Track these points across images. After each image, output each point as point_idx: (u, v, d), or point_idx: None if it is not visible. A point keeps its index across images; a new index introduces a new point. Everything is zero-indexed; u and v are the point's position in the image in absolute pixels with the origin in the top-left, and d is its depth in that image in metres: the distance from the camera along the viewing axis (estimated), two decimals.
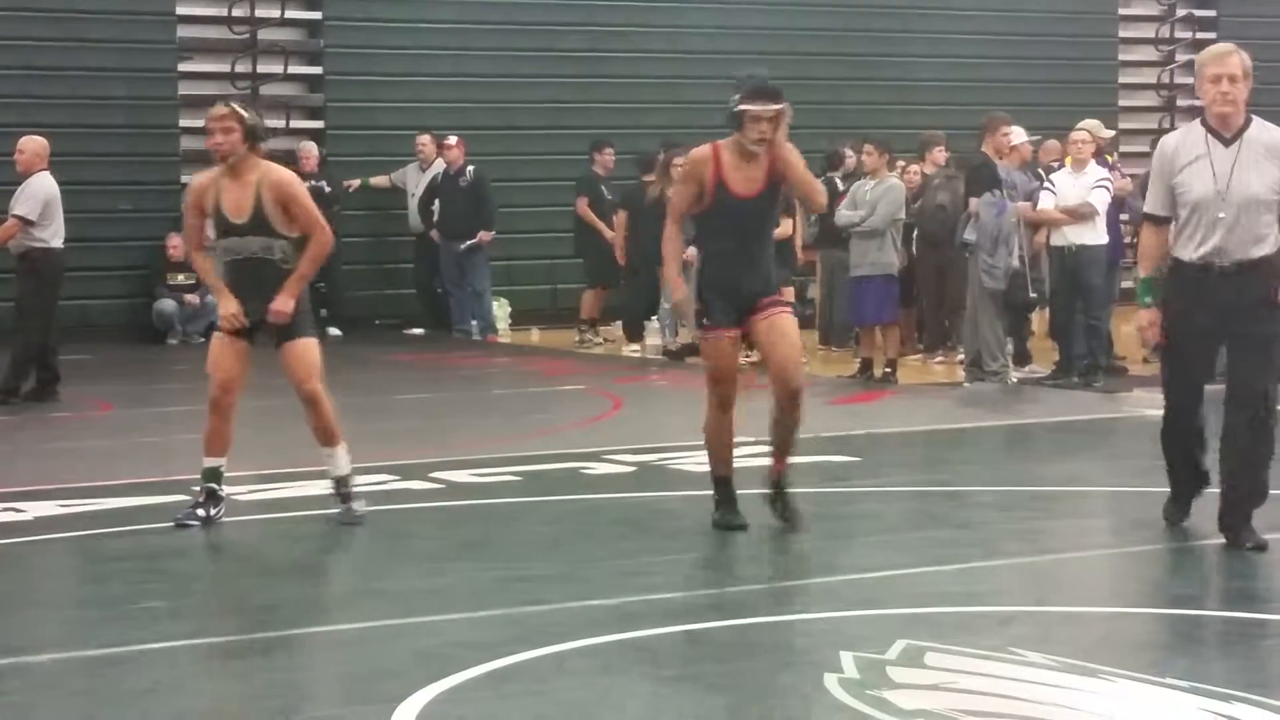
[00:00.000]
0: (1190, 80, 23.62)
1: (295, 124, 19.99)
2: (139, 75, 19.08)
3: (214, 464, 8.87)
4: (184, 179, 19.24)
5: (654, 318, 17.27)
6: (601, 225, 18.38)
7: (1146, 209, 8.17)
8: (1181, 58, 23.98)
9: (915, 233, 15.76)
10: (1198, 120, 8.03)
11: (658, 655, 6.41)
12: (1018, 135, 14.83)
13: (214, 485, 8.87)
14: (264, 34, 20.00)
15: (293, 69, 20.19)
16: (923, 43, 22.16)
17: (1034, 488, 9.99)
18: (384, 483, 9.99)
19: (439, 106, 20.02)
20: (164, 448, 11.24)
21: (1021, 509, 9.38)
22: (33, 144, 13.90)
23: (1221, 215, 7.78)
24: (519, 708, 5.78)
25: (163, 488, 9.70)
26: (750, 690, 5.96)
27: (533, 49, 20.53)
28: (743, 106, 8.37)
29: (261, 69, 19.99)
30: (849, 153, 17.01)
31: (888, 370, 14.75)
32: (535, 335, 19.27)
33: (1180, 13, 24.21)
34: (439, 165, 19.07)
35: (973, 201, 14.25)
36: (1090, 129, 14.60)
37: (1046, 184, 14.47)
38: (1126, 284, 16.36)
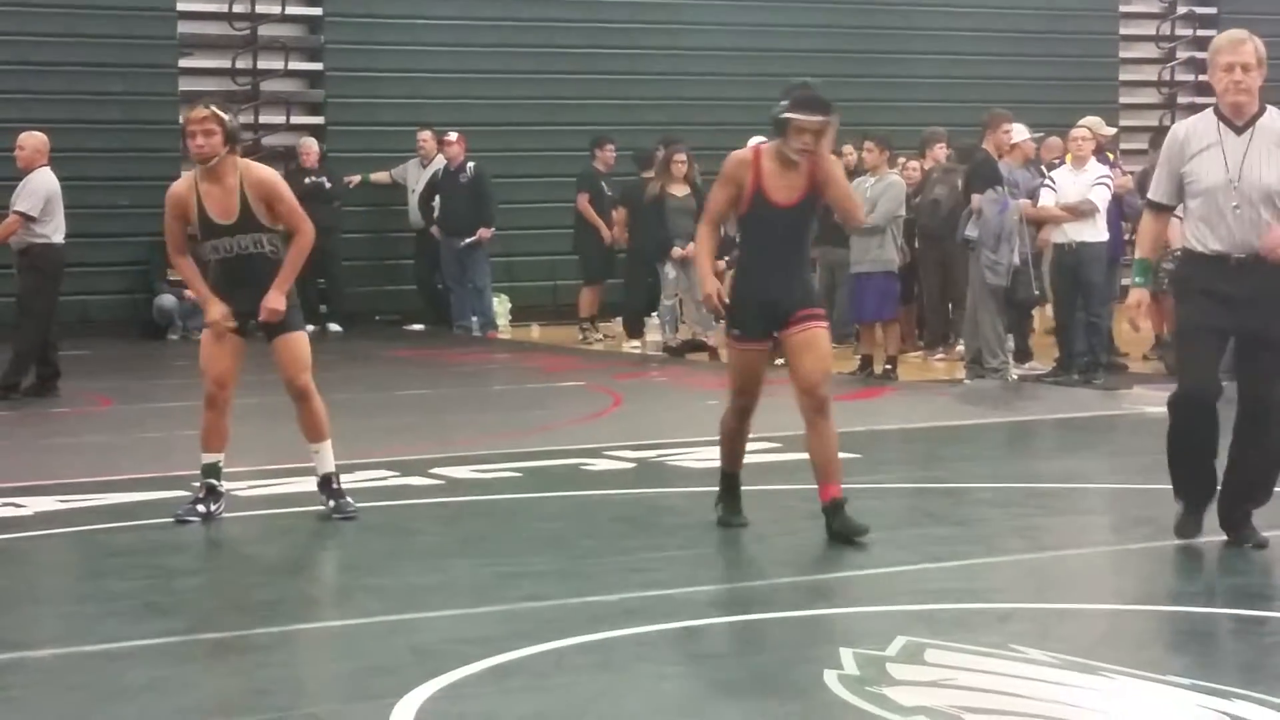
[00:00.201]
0: (1190, 77, 23.80)
1: (296, 120, 20.00)
2: (139, 71, 19.08)
3: (212, 459, 8.87)
4: (184, 175, 19.28)
5: (654, 314, 17.27)
6: (600, 223, 18.39)
7: (1150, 195, 7.96)
8: (1182, 55, 23.99)
9: (916, 229, 15.76)
10: (1210, 108, 7.83)
11: (658, 651, 6.41)
12: (1019, 132, 14.82)
13: (213, 481, 8.88)
14: (264, 30, 20.00)
15: (293, 65, 20.19)
16: (924, 39, 22.17)
17: (1034, 485, 9.99)
18: (384, 478, 10.00)
19: (439, 102, 20.03)
20: (164, 443, 11.24)
21: (1021, 506, 9.38)
22: (33, 140, 13.90)
23: (1235, 205, 7.58)
24: (519, 703, 5.78)
25: (163, 483, 9.70)
26: (751, 686, 5.96)
27: (532, 45, 20.54)
28: (788, 115, 8.13)
29: (262, 65, 19.99)
30: (849, 149, 17.01)
31: (888, 367, 14.75)
32: (535, 331, 19.27)
33: (1181, 10, 24.22)
34: (439, 161, 19.08)
35: (975, 198, 14.24)
36: (1091, 126, 14.60)
37: (1047, 181, 14.47)
38: (1126, 281, 16.33)
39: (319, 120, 20.11)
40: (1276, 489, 8.10)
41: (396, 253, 19.93)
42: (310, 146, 19.34)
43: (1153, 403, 12.91)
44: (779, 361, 8.84)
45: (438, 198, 18.94)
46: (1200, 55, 23.61)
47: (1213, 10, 23.99)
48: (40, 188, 13.70)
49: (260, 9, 19.97)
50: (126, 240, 18.82)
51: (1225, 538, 8.00)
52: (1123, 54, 23.89)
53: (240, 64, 19.85)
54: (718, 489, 8.69)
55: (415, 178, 19.44)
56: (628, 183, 18.06)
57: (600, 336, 18.36)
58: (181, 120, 8.84)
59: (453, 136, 18.80)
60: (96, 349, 16.94)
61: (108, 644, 6.56)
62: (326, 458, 8.95)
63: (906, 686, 5.84)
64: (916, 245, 15.77)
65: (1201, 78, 23.82)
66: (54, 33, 18.84)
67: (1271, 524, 8.06)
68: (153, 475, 10.04)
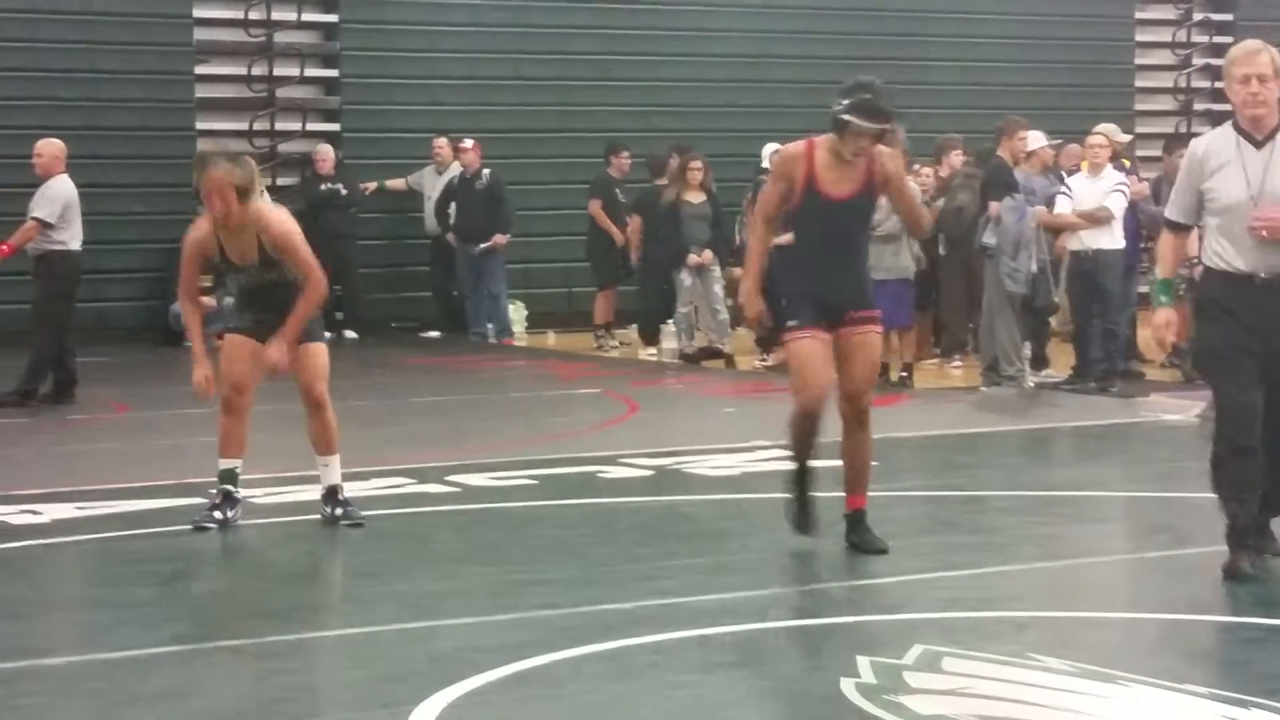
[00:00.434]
0: (1207, 84, 23.76)
1: (311, 127, 20.02)
2: (155, 78, 19.11)
3: (230, 465, 8.88)
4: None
5: (670, 321, 17.27)
6: (613, 228, 18.39)
7: (1168, 214, 7.74)
8: (1198, 62, 23.96)
9: (939, 234, 15.71)
10: (1229, 123, 7.61)
11: (673, 659, 6.40)
12: (1035, 139, 14.80)
13: (230, 487, 8.88)
14: (280, 37, 20.03)
15: (309, 72, 20.22)
16: (939, 46, 22.14)
17: (1051, 493, 9.97)
18: (400, 485, 10.00)
19: (455, 109, 20.05)
20: (180, 450, 11.26)
21: (1038, 514, 9.36)
22: (51, 147, 13.94)
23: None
24: (534, 711, 5.78)
25: (179, 490, 9.72)
26: (767, 695, 5.95)
27: (548, 52, 20.55)
28: (847, 117, 7.87)
29: (278, 72, 20.01)
30: None
31: (903, 374, 14.73)
32: (551, 338, 19.27)
33: (1197, 17, 24.18)
34: (455, 168, 19.08)
35: (993, 205, 14.23)
36: (1106, 133, 14.58)
37: (1062, 188, 14.45)
38: (1144, 288, 16.30)
39: (335, 127, 20.13)
40: None
41: (412, 260, 19.93)
42: (326, 153, 19.36)
43: (1170, 410, 12.91)
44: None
45: (454, 204, 18.95)
46: (1216, 62, 23.59)
47: (1229, 17, 23.95)
48: (58, 195, 13.73)
49: (276, 16, 20.00)
50: (143, 247, 18.84)
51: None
52: (1138, 61, 23.85)
53: (256, 71, 19.87)
54: (788, 495, 8.25)
55: (431, 184, 19.46)
56: (642, 189, 18.07)
57: (616, 343, 18.36)
58: (195, 179, 8.80)
59: (468, 143, 18.80)
60: (113, 355, 16.97)
61: (124, 651, 6.56)
62: (334, 471, 8.98)
63: (924, 695, 5.83)
64: (940, 251, 15.70)
65: (1218, 84, 23.79)
66: (71, 40, 18.87)
67: None
68: (169, 482, 10.05)
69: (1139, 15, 23.97)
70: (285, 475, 9.96)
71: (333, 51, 20.31)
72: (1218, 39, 23.66)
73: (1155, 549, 8.44)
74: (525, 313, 19.59)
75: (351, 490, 9.13)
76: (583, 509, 9.51)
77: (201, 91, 19.55)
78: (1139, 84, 23.76)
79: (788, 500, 8.23)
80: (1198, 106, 23.76)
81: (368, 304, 19.48)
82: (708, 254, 16.77)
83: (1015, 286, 14.08)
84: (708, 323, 17.03)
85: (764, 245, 8.32)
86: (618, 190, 18.68)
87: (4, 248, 13.92)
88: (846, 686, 5.88)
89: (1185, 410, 12.53)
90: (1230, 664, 6.48)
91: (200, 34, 19.64)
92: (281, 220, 8.78)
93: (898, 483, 10.11)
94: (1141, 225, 15.15)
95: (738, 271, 17.36)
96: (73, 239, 13.82)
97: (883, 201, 15.03)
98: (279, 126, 19.98)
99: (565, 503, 9.64)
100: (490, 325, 18.85)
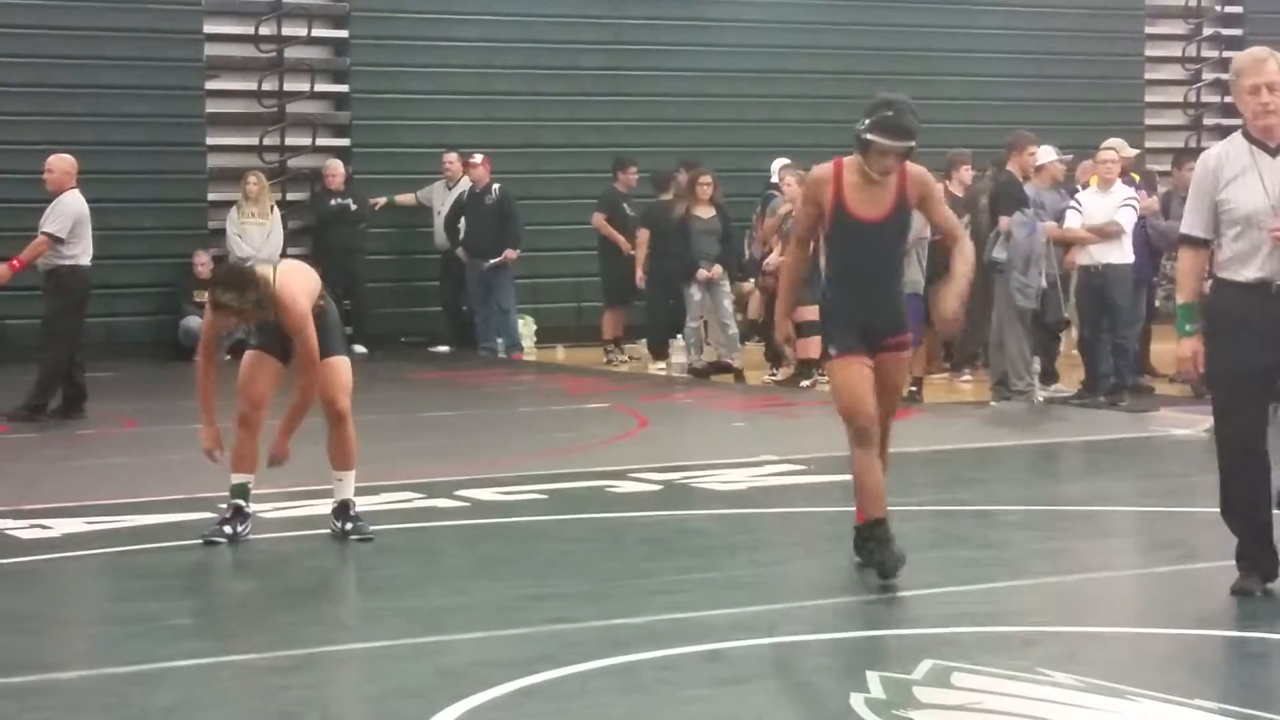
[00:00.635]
0: (1217, 99, 23.76)
1: (321, 142, 20.04)
2: (166, 93, 19.14)
3: (242, 480, 8.90)
4: (210, 197, 19.36)
5: (679, 336, 17.28)
6: (620, 239, 18.39)
7: (1185, 230, 7.53)
8: (1208, 76, 23.95)
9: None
10: (1238, 132, 7.47)
11: (682, 674, 6.40)
12: (1045, 154, 14.80)
13: (241, 501, 8.90)
14: (291, 52, 20.06)
15: (319, 87, 20.24)
16: (947, 61, 22.15)
17: (1060, 507, 9.97)
18: (409, 500, 10.01)
19: (464, 124, 20.07)
20: (190, 465, 11.21)
21: (1048, 529, 9.36)
22: (62, 163, 13.98)
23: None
24: None
25: (189, 505, 9.73)
26: (776, 710, 5.95)
27: (557, 67, 20.57)
28: (869, 136, 7.68)
29: (288, 87, 20.04)
30: None
31: (912, 389, 14.72)
32: (560, 353, 19.28)
33: (1207, 31, 24.18)
34: (465, 183, 19.11)
35: (1003, 220, 14.24)
36: (1115, 148, 14.58)
37: (1072, 203, 14.44)
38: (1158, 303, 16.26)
39: (345, 142, 20.15)
40: None
41: (422, 275, 19.95)
42: (336, 169, 19.39)
43: (1180, 425, 12.90)
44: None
45: (463, 220, 18.97)
46: (1226, 77, 23.58)
47: (1239, 32, 23.94)
48: (69, 210, 13.76)
49: (287, 31, 20.03)
50: (153, 262, 18.86)
51: None
52: (1148, 75, 23.85)
53: (266, 86, 19.89)
54: (856, 538, 8.03)
55: (440, 200, 19.48)
56: (649, 204, 18.08)
57: (625, 358, 18.37)
58: (209, 296, 8.79)
59: (478, 158, 18.83)
60: (123, 371, 16.99)
61: (135, 666, 6.58)
62: (348, 486, 9.00)
63: (933, 710, 5.83)
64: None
65: (1228, 99, 23.78)
66: (81, 55, 18.90)
67: None
68: (179, 497, 10.07)
69: (1149, 30, 23.97)
70: (295, 490, 9.97)
71: (343, 67, 20.34)
72: (1227, 53, 23.64)
73: (1164, 564, 8.43)
74: (534, 327, 19.59)
75: (361, 505, 9.14)
76: (592, 524, 9.52)
77: (212, 107, 19.57)
78: (1149, 99, 23.75)
79: (869, 548, 7.84)
80: (1208, 121, 23.74)
81: (377, 319, 19.50)
82: (717, 268, 16.78)
83: (1025, 301, 14.09)
84: (717, 337, 17.04)
85: (796, 270, 8.21)
86: (625, 205, 18.70)
87: (15, 263, 13.96)
88: (856, 701, 5.89)
89: (1195, 425, 12.52)
90: (1238, 679, 6.47)
91: (211, 49, 19.68)
92: (295, 299, 8.65)
93: (907, 497, 10.08)
94: (1149, 240, 15.13)
95: (747, 286, 17.45)
96: (83, 254, 13.86)
97: None
98: (289, 141, 20.01)
99: (574, 517, 9.65)
100: (500, 340, 18.86)
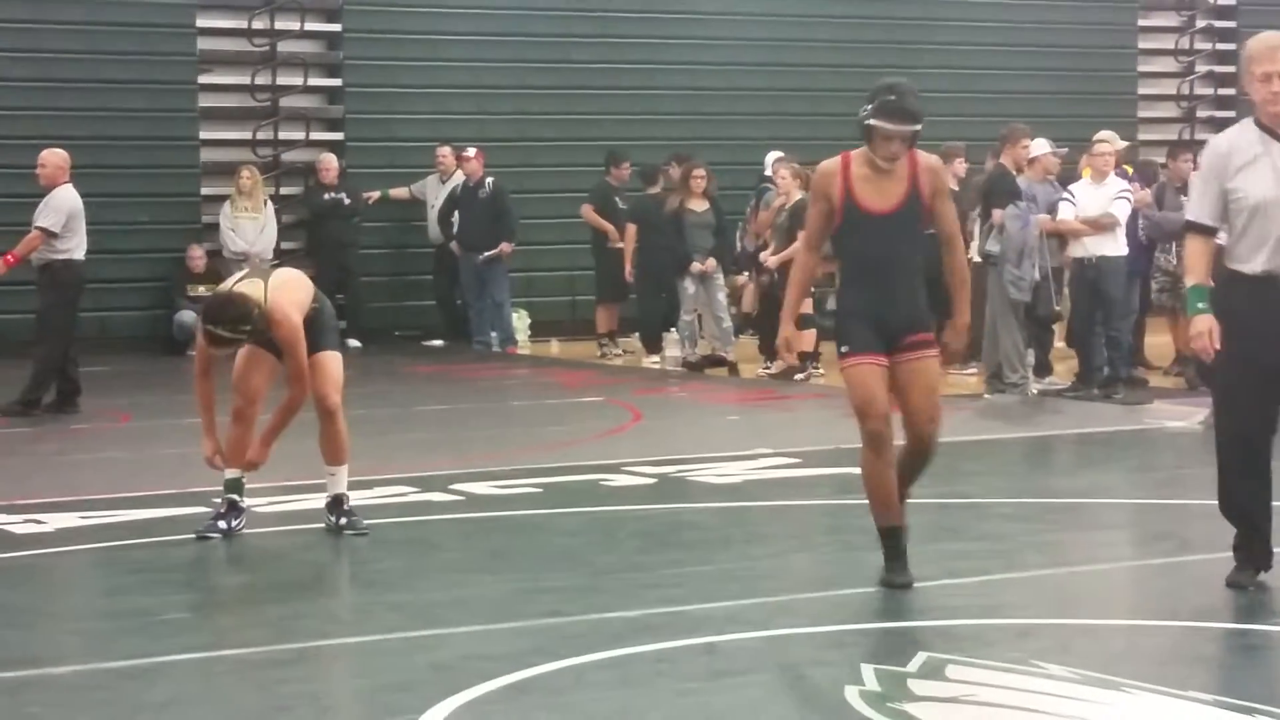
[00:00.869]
0: (1210, 91, 23.76)
1: (315, 136, 20.05)
2: (159, 87, 19.13)
3: (236, 474, 8.89)
4: (204, 191, 19.35)
5: (673, 329, 17.28)
6: (609, 227, 18.38)
7: (1192, 217, 7.39)
8: (1201, 69, 23.96)
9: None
10: (1248, 120, 7.33)
11: (678, 667, 6.40)
12: (1038, 147, 14.80)
13: (235, 496, 8.89)
14: (284, 46, 20.05)
15: (312, 81, 20.24)
16: (941, 54, 22.14)
17: (1054, 500, 9.98)
18: (404, 494, 10.01)
19: (458, 118, 20.06)
20: (184, 459, 11.22)
21: (1042, 521, 9.36)
22: (55, 157, 13.96)
23: None
24: None
25: (183, 499, 9.72)
26: (771, 703, 5.95)
27: (550, 61, 20.56)
28: (872, 121, 7.46)
29: (281, 81, 20.03)
30: None
31: None
32: (554, 347, 19.28)
33: (1200, 24, 24.19)
34: (458, 177, 19.10)
35: (996, 213, 14.25)
36: (1107, 140, 14.58)
37: (1065, 195, 14.44)
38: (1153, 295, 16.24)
39: (338, 136, 20.14)
40: None
41: (415, 268, 19.95)
42: (330, 162, 19.38)
43: (1174, 417, 12.90)
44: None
45: (457, 213, 18.97)
46: (1219, 69, 23.64)
47: (1232, 24, 23.96)
48: (63, 205, 13.75)
49: (280, 25, 20.01)
50: (146, 257, 18.85)
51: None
52: (1141, 68, 23.86)
53: (260, 80, 19.89)
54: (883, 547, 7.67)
55: (434, 193, 19.48)
56: (636, 198, 18.07)
57: (619, 352, 18.36)
58: (201, 329, 8.73)
59: (471, 152, 18.82)
60: (117, 365, 16.98)
61: (129, 661, 6.57)
62: (341, 481, 8.99)
63: (928, 702, 5.83)
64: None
65: (1221, 91, 23.81)
66: (74, 50, 18.89)
67: None
68: (173, 491, 10.06)
69: (1141, 23, 23.98)
70: (289, 484, 9.97)
71: (336, 61, 20.33)
72: (1220, 46, 23.68)
73: (1159, 556, 8.44)
74: (528, 321, 19.60)
75: (355, 498, 9.14)
76: (586, 517, 9.51)
77: (205, 101, 19.57)
78: (1142, 91, 23.76)
79: (890, 562, 7.60)
80: (1201, 114, 23.77)
81: (371, 313, 19.50)
82: (711, 262, 16.78)
83: (1019, 295, 14.09)
84: (711, 330, 17.04)
85: (807, 273, 7.87)
86: (616, 199, 18.69)
87: (8, 258, 13.94)
88: (851, 694, 5.89)
89: (1189, 417, 12.54)
90: (1234, 671, 6.48)
91: (204, 44, 19.66)
92: (287, 316, 8.59)
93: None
94: (1144, 232, 15.13)
95: (741, 279, 17.45)
96: (77, 248, 13.85)
97: None
98: (282, 136, 20.00)
99: (569, 511, 9.65)
100: (494, 334, 18.86)
